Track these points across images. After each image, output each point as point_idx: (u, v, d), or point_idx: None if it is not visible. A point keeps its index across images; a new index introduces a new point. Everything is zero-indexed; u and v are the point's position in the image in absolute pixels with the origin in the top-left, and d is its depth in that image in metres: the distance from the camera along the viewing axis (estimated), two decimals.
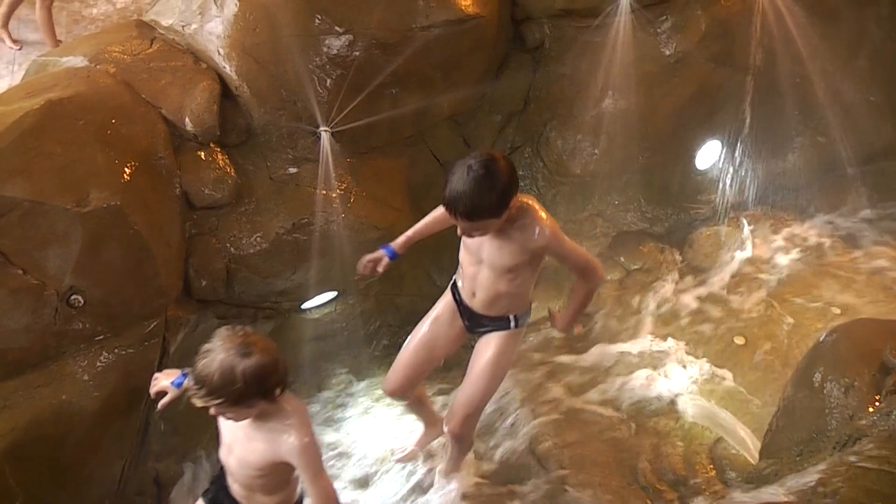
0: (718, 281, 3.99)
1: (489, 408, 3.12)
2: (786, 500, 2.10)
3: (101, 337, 2.90)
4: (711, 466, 3.15)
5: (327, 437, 3.38)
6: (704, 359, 3.64)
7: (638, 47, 3.97)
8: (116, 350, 2.92)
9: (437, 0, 3.46)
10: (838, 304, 3.75)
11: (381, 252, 2.79)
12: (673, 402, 3.46)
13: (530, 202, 2.51)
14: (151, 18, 3.52)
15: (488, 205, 2.38)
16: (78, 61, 3.19)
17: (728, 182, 4.31)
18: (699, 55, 4.10)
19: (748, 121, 4.27)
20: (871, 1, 4.47)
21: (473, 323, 2.80)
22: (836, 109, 4.35)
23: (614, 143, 3.98)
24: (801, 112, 4.39)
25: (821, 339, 2.85)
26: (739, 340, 3.68)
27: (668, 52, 4.06)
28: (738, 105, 4.25)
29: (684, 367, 3.59)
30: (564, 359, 3.63)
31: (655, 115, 4.07)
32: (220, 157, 3.19)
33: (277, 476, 2.33)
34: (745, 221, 4.28)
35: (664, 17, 4.04)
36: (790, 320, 3.72)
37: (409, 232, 2.80)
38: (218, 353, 2.11)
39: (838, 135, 4.36)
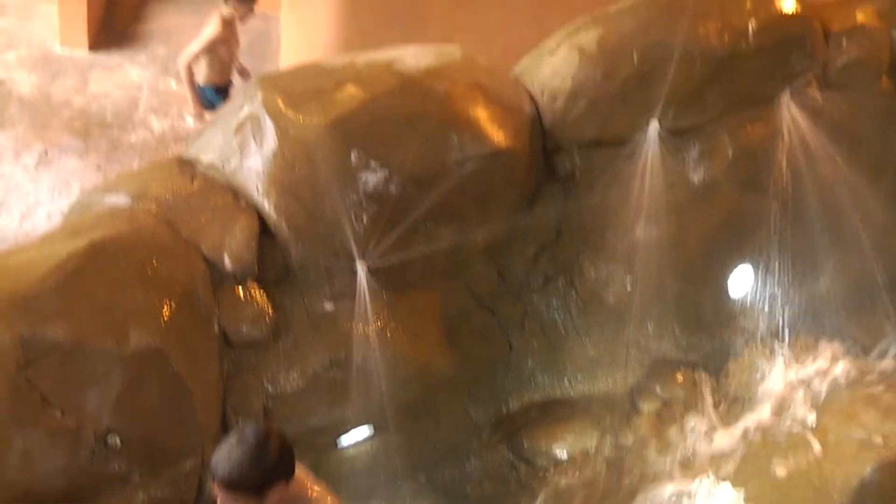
0: (755, 410, 3.88)
1: None
2: None
3: (138, 477, 2.82)
4: None
5: None
6: (742, 491, 3.52)
7: (667, 175, 3.96)
8: (152, 490, 2.84)
9: (471, 134, 3.48)
10: (880, 433, 3.62)
11: None
12: None
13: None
14: (192, 155, 3.53)
15: (247, 479, 2.27)
16: (120, 200, 3.19)
17: (762, 308, 4.23)
18: (727, 181, 4.09)
19: (778, 246, 4.22)
20: (894, 123, 4.47)
21: None
22: (866, 231, 4.30)
23: (647, 272, 3.93)
24: (830, 235, 4.33)
25: (866, 478, 2.74)
26: (780, 471, 3.56)
27: (696, 180, 4.05)
28: (767, 230, 4.20)
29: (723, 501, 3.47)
30: None
31: (687, 243, 4.03)
32: (258, 294, 3.16)
33: None
34: (779, 348, 4.19)
35: (692, 144, 4.04)
36: (830, 451, 3.60)
37: None
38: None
39: (870, 257, 4.31)
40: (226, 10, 6.16)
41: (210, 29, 6.15)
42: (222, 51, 6.29)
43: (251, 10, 6.29)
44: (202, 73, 6.25)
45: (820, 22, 4.15)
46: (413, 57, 3.72)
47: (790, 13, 4.08)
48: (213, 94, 6.22)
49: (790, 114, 4.11)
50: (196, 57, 6.20)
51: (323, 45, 7.00)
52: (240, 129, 3.37)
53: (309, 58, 7.23)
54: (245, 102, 3.49)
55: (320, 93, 3.46)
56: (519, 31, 7.10)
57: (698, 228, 4.05)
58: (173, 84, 7.73)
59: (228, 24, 6.20)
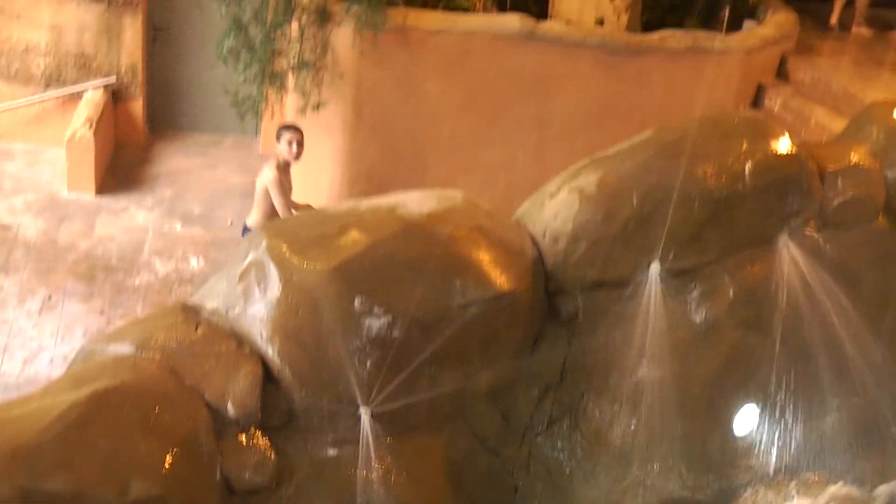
0: None
1: None
2: None
3: None
4: None
5: None
6: None
7: (669, 315, 3.98)
8: None
9: (474, 277, 3.53)
10: None
11: None
12: None
13: None
14: (196, 301, 3.58)
15: None
16: (124, 348, 3.21)
17: (768, 447, 4.19)
18: (729, 321, 4.10)
19: (783, 385, 4.21)
20: (893, 262, 4.51)
21: None
22: (869, 369, 4.30)
23: (652, 412, 3.91)
24: (834, 374, 4.32)
25: None
26: None
27: (698, 320, 4.06)
28: (770, 369, 4.20)
29: None
30: None
31: (691, 382, 4.02)
32: (261, 440, 3.15)
33: None
34: (788, 487, 4.13)
35: (693, 285, 4.07)
36: None
37: None
38: None
39: (874, 394, 4.29)
40: (280, 150, 6.26)
41: (271, 184, 6.15)
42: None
43: (293, 140, 6.29)
44: (253, 216, 6.33)
45: (815, 162, 4.23)
46: (416, 202, 3.81)
47: (785, 154, 4.16)
48: None
49: (789, 253, 4.16)
50: (287, 207, 6.16)
51: (328, 187, 7.18)
52: (244, 275, 3.43)
53: (312, 197, 7.45)
54: (250, 250, 3.55)
55: (324, 239, 3.53)
56: (520, 171, 7.30)
57: (702, 368, 4.05)
58: (178, 226, 7.88)
59: (282, 169, 6.32)
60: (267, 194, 6.14)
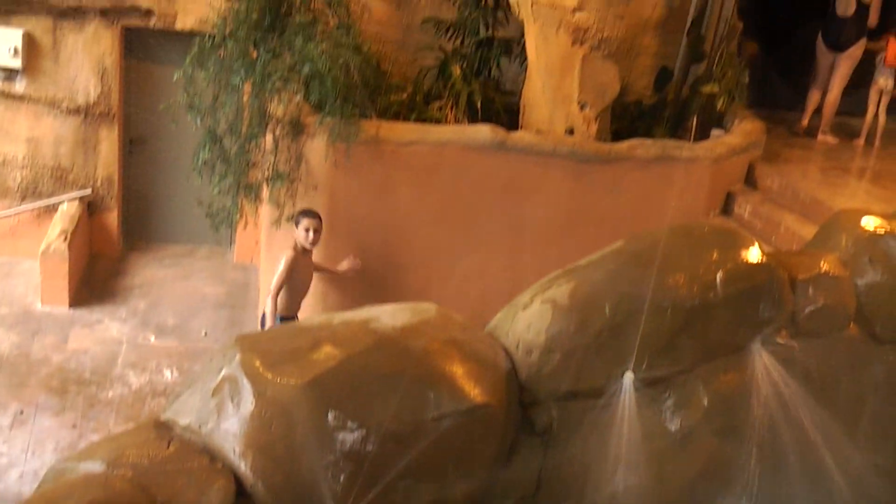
0: None
1: None
2: None
3: None
4: None
5: None
6: None
7: (644, 424, 3.99)
8: None
9: (448, 390, 3.54)
10: None
11: None
12: None
13: None
14: (169, 417, 3.57)
15: None
16: (96, 466, 3.19)
17: None
18: (704, 430, 4.12)
19: (758, 492, 4.21)
20: (865, 368, 4.56)
21: None
22: (844, 476, 4.31)
23: None
24: (810, 479, 4.34)
25: None
26: None
27: (673, 428, 4.08)
28: (747, 476, 4.21)
29: None
30: None
31: (667, 491, 4.02)
32: None
33: None
34: None
35: (667, 393, 4.10)
36: None
37: None
38: None
39: (849, 500, 4.29)
40: (298, 236, 6.38)
41: (280, 262, 6.35)
42: (297, 281, 6.49)
43: (311, 228, 6.45)
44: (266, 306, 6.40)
45: (786, 270, 4.31)
46: (389, 315, 3.85)
47: (756, 263, 4.23)
48: (278, 323, 6.39)
49: (762, 361, 4.20)
50: (275, 294, 6.37)
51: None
52: (217, 390, 3.43)
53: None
54: (223, 364, 3.56)
55: (297, 353, 3.55)
56: (493, 280, 7.37)
57: (678, 477, 4.04)
58: (152, 338, 7.86)
59: (301, 253, 6.43)
60: (288, 278, 6.39)
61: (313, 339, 3.63)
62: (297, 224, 6.48)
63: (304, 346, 3.59)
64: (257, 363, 3.47)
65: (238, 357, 3.52)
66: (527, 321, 3.93)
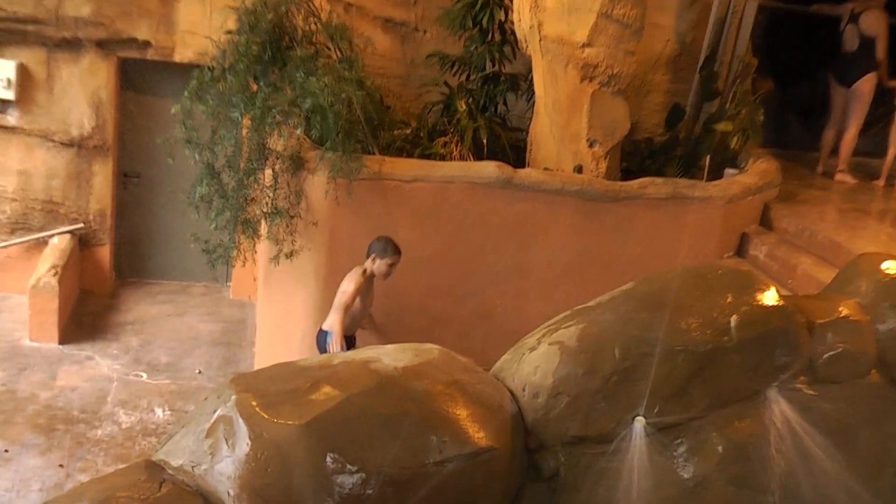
0: None
1: None
2: None
3: None
4: None
5: None
6: None
7: (655, 472, 3.96)
8: None
9: (451, 433, 3.52)
10: None
11: None
12: None
13: None
14: (161, 458, 3.54)
15: None
16: None
17: None
18: (718, 479, 4.08)
19: None
20: (888, 417, 4.53)
21: None
22: None
23: None
24: None
25: None
26: None
27: (686, 476, 4.04)
28: None
29: None
30: None
31: None
32: None
33: None
34: None
35: (679, 440, 4.06)
36: None
37: None
38: None
39: None
40: (369, 265, 6.39)
41: (351, 282, 6.37)
42: (357, 305, 6.49)
43: (394, 265, 6.49)
44: (329, 322, 6.38)
45: (803, 315, 4.28)
46: (391, 356, 3.83)
47: (772, 307, 4.20)
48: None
49: (779, 408, 4.16)
50: (345, 311, 6.38)
51: (300, 339, 7.19)
52: (212, 431, 3.41)
53: (285, 347, 7.44)
54: (218, 405, 3.55)
55: (295, 393, 3.53)
56: (498, 322, 7.35)
57: None
58: (144, 376, 7.85)
59: (369, 279, 6.44)
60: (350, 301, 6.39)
61: (312, 379, 3.62)
62: (381, 255, 6.46)
63: (302, 386, 3.58)
64: (254, 403, 3.46)
65: (234, 397, 3.50)
66: (533, 363, 3.92)
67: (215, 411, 3.52)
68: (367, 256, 6.50)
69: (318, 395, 3.51)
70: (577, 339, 3.90)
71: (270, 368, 3.98)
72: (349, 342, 6.51)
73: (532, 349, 3.98)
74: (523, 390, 3.88)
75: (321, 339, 6.49)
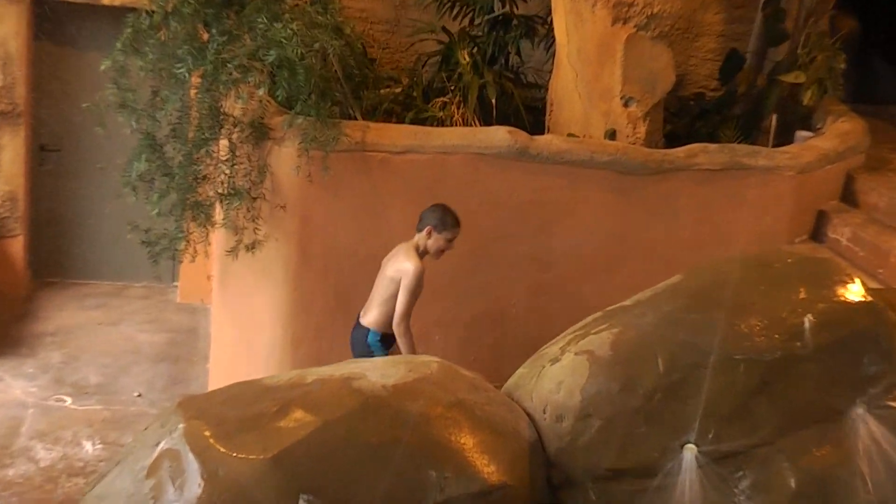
0: None
1: None
2: None
3: None
4: None
5: None
6: None
7: None
8: None
9: (454, 468, 3.54)
10: None
11: None
12: None
13: None
14: None
15: None
16: None
17: None
18: None
19: None
20: None
21: None
22: None
23: None
24: None
25: None
26: None
27: None
28: None
29: None
30: None
31: None
32: None
33: None
34: None
35: (741, 473, 4.07)
36: None
37: None
38: None
39: None
40: (422, 240, 6.49)
41: (409, 261, 6.38)
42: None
43: (453, 240, 6.53)
44: (373, 317, 6.48)
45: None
46: (378, 371, 3.85)
47: (857, 303, 4.22)
48: (376, 342, 6.45)
49: (868, 430, 4.17)
50: (415, 301, 6.39)
51: (265, 350, 7.21)
52: (154, 469, 3.42)
53: (246, 362, 7.46)
54: (161, 435, 3.56)
55: (260, 419, 3.55)
56: (511, 326, 7.38)
57: None
58: (68, 400, 7.86)
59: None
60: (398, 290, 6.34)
61: (280, 401, 3.64)
62: (438, 229, 6.43)
63: (268, 410, 3.60)
64: (207, 433, 3.48)
65: (182, 425, 3.52)
66: (556, 378, 3.94)
67: (158, 444, 3.53)
68: (419, 230, 6.47)
69: (288, 422, 3.53)
70: (610, 348, 3.92)
71: (228, 389, 3.99)
72: (387, 340, 6.47)
73: (554, 360, 4.00)
74: (544, 412, 3.89)
75: (361, 338, 6.50)
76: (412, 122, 7.74)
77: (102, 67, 7.12)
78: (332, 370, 3.90)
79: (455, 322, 7.32)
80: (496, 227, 7.33)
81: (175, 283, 9.97)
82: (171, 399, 7.77)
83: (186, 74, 7.06)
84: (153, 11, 7.11)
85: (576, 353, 3.95)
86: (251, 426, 3.54)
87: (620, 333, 3.97)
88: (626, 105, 7.78)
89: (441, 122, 7.79)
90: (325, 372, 3.89)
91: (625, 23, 7.72)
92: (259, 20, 7.03)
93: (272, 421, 3.55)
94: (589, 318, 4.17)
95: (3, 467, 7.08)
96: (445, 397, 3.75)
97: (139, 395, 8.14)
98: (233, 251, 7.12)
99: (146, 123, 7.11)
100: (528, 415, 3.91)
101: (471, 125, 7.80)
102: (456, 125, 7.78)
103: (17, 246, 9.77)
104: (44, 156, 10.05)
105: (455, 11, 8.81)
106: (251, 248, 7.04)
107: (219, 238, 7.67)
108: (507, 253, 7.38)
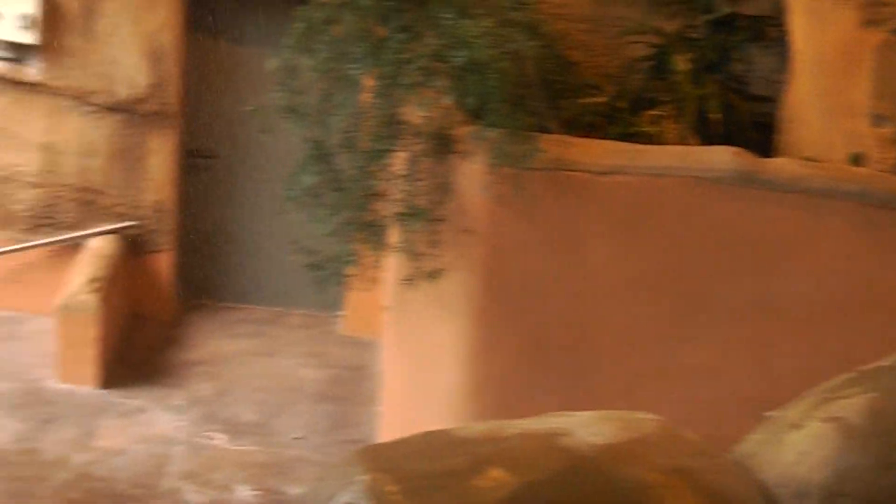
0: None
1: None
2: None
3: None
4: None
5: None
6: None
7: None
8: None
9: None
10: None
11: None
12: None
13: None
14: None
15: None
16: None
17: None
18: None
19: None
20: None
21: None
22: None
23: None
24: None
25: None
26: None
27: None
28: None
29: None
30: None
31: None
32: None
33: None
34: None
35: None
36: None
37: None
38: None
39: None
40: None
41: None
42: None
43: None
44: None
45: None
46: (587, 427, 3.84)
47: None
48: None
49: None
50: None
51: (443, 395, 7.25)
52: None
53: (423, 407, 7.50)
54: (338, 488, 3.61)
55: (451, 477, 3.57)
56: (734, 382, 7.27)
57: None
58: (220, 438, 8.01)
59: None
60: None
61: (474, 456, 3.66)
62: None
63: (460, 466, 3.62)
64: (392, 489, 3.52)
65: (363, 478, 3.57)
66: (798, 448, 3.88)
67: (333, 497, 3.59)
68: None
69: (484, 481, 3.54)
70: (865, 415, 3.84)
71: (413, 439, 4.04)
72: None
73: (795, 427, 3.94)
74: (783, 487, 3.84)
75: None
76: (617, 138, 7.70)
77: (270, 67, 7.23)
78: (534, 423, 3.91)
79: (666, 375, 7.25)
80: (715, 265, 7.24)
81: (339, 313, 10.07)
82: (334, 444, 7.88)
83: (361, 77, 7.13)
84: (326, 3, 7.17)
85: (822, 421, 3.89)
86: (442, 484, 3.56)
87: (877, 400, 3.89)
88: (875, 125, 7.62)
89: (652, 139, 7.75)
90: (525, 425, 3.90)
91: (876, 26, 7.58)
92: (445, 16, 7.06)
93: (466, 479, 3.57)
94: (837, 380, 4.10)
95: None
96: (665, 462, 3.73)
97: (299, 438, 8.26)
98: (410, 280, 7.16)
99: (315, 131, 7.19)
100: (764, 488, 3.86)
101: (688, 143, 7.73)
102: (670, 143, 7.72)
103: (165, 263, 9.99)
104: (195, 163, 10.24)
105: (671, 10, 8.77)
106: (431, 276, 7.06)
107: (394, 264, 7.74)
108: (726, 295, 7.28)
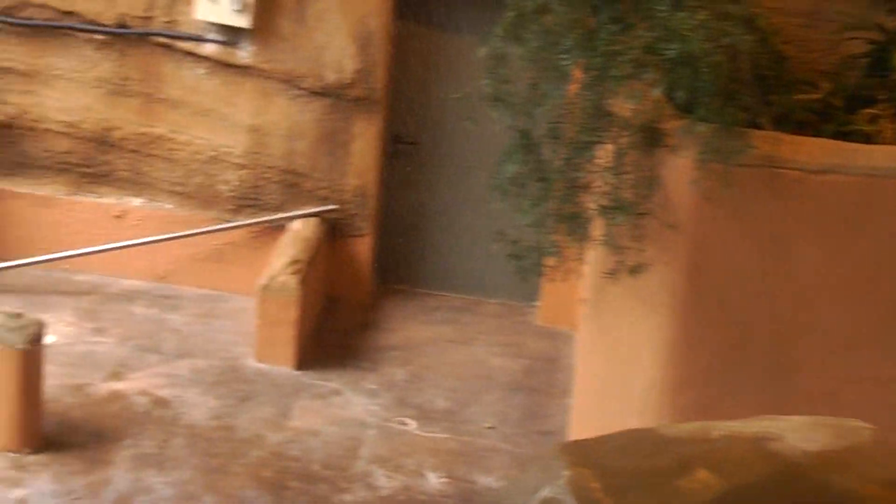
0: None
1: None
2: None
3: None
4: None
5: None
6: None
7: None
8: None
9: None
10: None
11: None
12: None
13: None
14: None
15: None
16: None
17: None
18: None
19: None
20: None
21: None
22: None
23: None
24: None
25: None
26: None
27: None
28: None
29: None
30: None
31: None
32: None
33: None
34: None
35: None
36: None
37: None
38: None
39: None
40: None
41: None
42: None
43: None
44: None
45: None
46: (796, 433, 3.77)
47: None
48: None
49: None
50: None
51: (643, 391, 7.20)
52: None
53: (617, 402, 7.46)
54: (541, 481, 3.61)
55: (656, 476, 3.54)
56: None
57: None
58: (412, 424, 8.07)
59: None
60: None
61: (680, 457, 3.63)
62: None
63: (665, 465, 3.59)
64: (595, 485, 3.51)
65: (566, 473, 3.56)
66: None
67: (536, 490, 3.59)
68: None
69: (690, 482, 3.51)
70: None
71: (618, 435, 4.02)
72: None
73: None
74: None
75: None
76: (832, 136, 7.53)
77: (480, 54, 7.25)
78: (742, 426, 3.86)
79: (878, 383, 7.08)
80: None
81: (535, 303, 10.08)
82: (525, 435, 7.87)
83: (570, 67, 7.10)
84: None
85: None
86: (646, 483, 3.54)
87: None
88: None
89: (869, 138, 7.56)
90: (733, 427, 3.85)
91: None
92: (659, 8, 7.00)
93: (671, 479, 3.54)
94: None
95: (340, 491, 7.33)
96: (881, 474, 3.63)
97: (491, 427, 8.28)
98: (612, 273, 7.12)
99: (522, 121, 7.19)
100: None
101: None
102: (887, 143, 7.53)
103: (365, 247, 10.10)
104: (398, 149, 10.34)
105: (893, 5, 8.52)
106: (634, 271, 7.02)
107: (595, 257, 7.71)
108: None
